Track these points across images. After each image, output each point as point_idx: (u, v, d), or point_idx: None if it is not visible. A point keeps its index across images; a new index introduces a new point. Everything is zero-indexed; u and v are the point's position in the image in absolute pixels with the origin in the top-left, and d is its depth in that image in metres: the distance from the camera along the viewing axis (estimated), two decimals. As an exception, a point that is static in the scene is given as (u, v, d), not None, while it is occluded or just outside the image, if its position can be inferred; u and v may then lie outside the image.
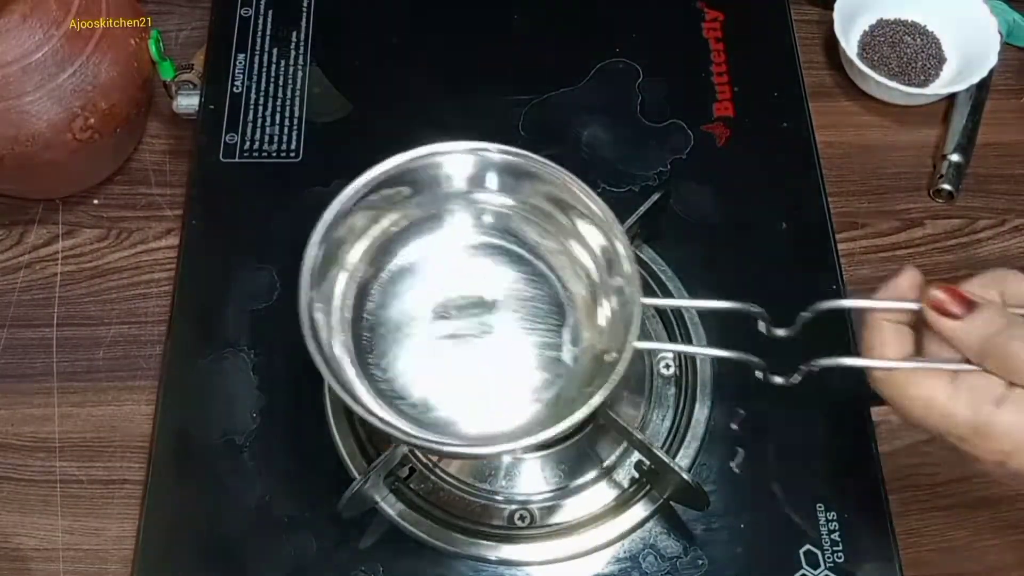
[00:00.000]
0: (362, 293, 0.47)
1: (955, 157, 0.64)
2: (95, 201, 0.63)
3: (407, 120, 0.63)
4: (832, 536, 0.51)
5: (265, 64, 0.64)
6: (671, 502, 0.51)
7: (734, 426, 0.54)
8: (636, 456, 0.52)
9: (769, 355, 0.41)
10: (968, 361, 0.37)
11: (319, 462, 0.52)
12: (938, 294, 0.37)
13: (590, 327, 0.47)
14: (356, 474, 0.51)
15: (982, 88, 0.66)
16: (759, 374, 0.41)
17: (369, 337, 0.47)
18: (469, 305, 0.48)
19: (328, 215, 0.44)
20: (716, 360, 0.55)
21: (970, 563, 0.53)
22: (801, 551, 0.50)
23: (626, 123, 0.64)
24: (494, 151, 0.47)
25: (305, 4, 0.67)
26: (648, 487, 0.51)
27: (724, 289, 0.56)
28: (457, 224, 0.49)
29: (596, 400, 0.40)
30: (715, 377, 0.54)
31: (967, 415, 0.36)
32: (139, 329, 0.58)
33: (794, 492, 0.52)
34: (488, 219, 0.49)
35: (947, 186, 0.63)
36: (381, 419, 0.41)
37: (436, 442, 0.43)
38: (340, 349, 0.45)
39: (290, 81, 0.64)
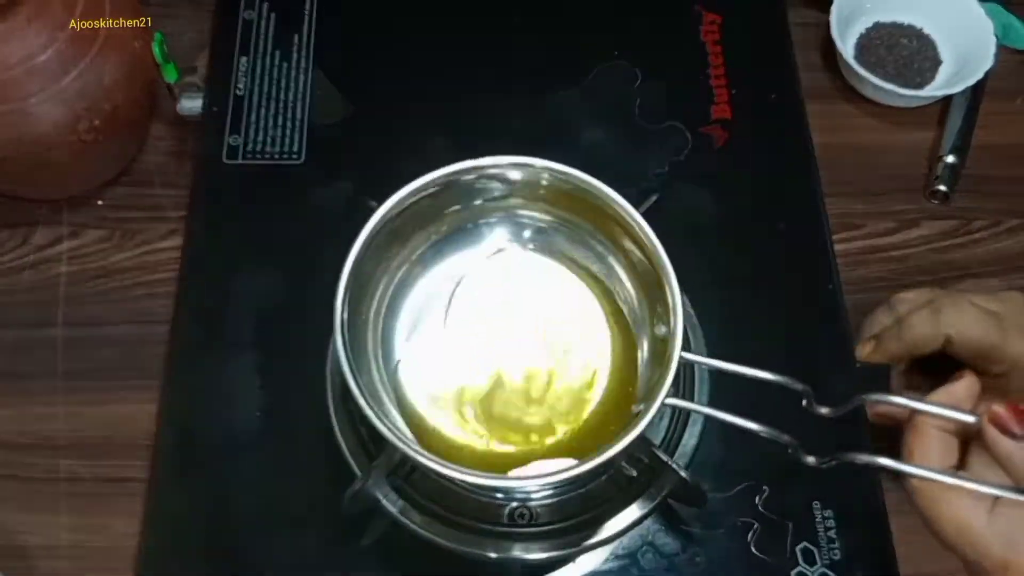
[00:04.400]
0: (397, 303, 0.48)
1: (950, 159, 0.64)
2: (99, 202, 0.63)
3: (408, 122, 0.63)
4: (828, 533, 0.51)
5: (268, 67, 0.65)
6: (669, 500, 0.51)
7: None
8: (634, 454, 0.52)
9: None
10: (1020, 490, 0.34)
11: (321, 460, 0.52)
12: (999, 410, 0.34)
13: (626, 366, 0.47)
14: (358, 472, 0.51)
15: (978, 90, 0.67)
16: (791, 451, 0.40)
17: (403, 347, 0.47)
18: (505, 321, 0.48)
19: (368, 227, 0.44)
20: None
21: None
22: (798, 548, 0.51)
23: (624, 125, 0.64)
24: (539, 167, 0.46)
25: (307, 7, 0.67)
26: (647, 485, 0.52)
27: (721, 292, 0.57)
28: (497, 238, 0.50)
29: (610, 453, 0.40)
30: (712, 376, 0.55)
31: (1000, 551, 0.33)
32: (143, 329, 0.59)
33: (791, 489, 0.52)
34: (528, 234, 0.50)
35: (942, 187, 0.64)
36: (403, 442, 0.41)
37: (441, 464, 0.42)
38: (371, 360, 0.45)
39: (292, 83, 0.64)
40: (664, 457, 0.48)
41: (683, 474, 0.47)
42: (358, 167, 0.61)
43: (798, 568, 0.50)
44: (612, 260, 0.49)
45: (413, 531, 0.50)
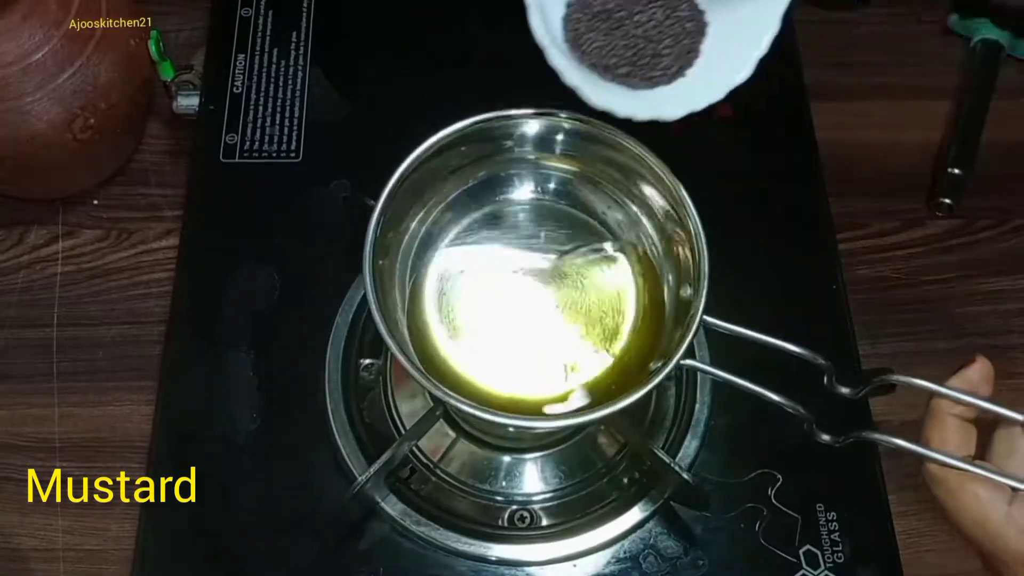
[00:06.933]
0: (423, 256, 0.48)
1: (955, 171, 0.63)
2: (95, 201, 0.63)
3: (407, 120, 0.62)
4: (832, 536, 0.51)
5: (265, 64, 0.64)
6: (671, 502, 0.51)
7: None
8: (636, 456, 0.52)
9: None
10: None
11: (319, 462, 0.52)
12: None
13: (652, 323, 0.46)
14: (357, 474, 0.51)
15: (984, 99, 0.66)
16: (806, 427, 0.40)
17: (429, 299, 0.47)
18: (528, 272, 0.48)
19: (392, 181, 0.44)
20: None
21: (970, 563, 0.53)
22: (801, 551, 0.50)
23: (626, 123, 0.63)
24: (563, 117, 0.47)
25: (305, 4, 0.67)
26: (648, 487, 0.51)
27: (723, 290, 0.56)
28: (522, 188, 0.49)
29: (620, 404, 0.39)
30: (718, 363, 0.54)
31: (1018, 545, 0.33)
32: (139, 329, 0.59)
33: (794, 492, 0.52)
34: (552, 185, 0.49)
35: (947, 200, 0.63)
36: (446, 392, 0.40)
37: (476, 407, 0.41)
38: (398, 311, 0.45)
39: (290, 81, 0.64)
40: (666, 458, 0.47)
41: (685, 476, 0.47)
42: (356, 166, 0.61)
43: (802, 571, 0.50)
44: (640, 215, 0.48)
45: (412, 534, 0.50)
